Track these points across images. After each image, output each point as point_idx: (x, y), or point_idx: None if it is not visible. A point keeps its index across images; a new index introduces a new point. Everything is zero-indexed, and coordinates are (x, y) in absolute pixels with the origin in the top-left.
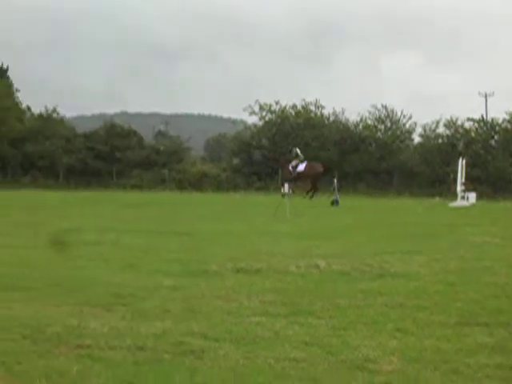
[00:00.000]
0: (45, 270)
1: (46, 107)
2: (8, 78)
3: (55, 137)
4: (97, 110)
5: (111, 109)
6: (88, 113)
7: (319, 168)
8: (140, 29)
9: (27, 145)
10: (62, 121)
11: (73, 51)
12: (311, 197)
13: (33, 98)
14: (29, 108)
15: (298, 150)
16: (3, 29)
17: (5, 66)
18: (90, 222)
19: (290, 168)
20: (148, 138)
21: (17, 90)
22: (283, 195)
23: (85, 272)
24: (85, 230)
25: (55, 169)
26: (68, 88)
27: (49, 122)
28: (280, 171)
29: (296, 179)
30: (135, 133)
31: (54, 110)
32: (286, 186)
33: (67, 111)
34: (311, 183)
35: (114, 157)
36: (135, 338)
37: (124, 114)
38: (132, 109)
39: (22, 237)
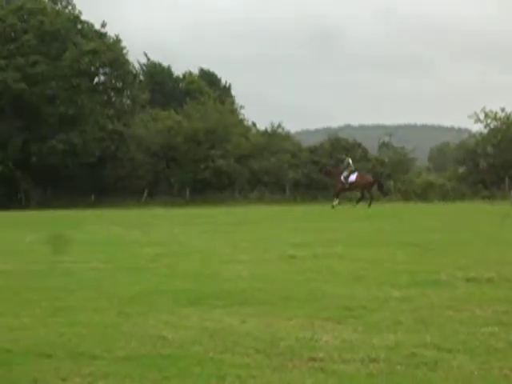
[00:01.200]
0: (276, 284)
1: (271, 123)
2: (232, 95)
3: (280, 152)
4: (320, 125)
5: (335, 122)
6: (312, 127)
7: (369, 178)
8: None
9: (252, 161)
10: (287, 136)
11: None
12: (369, 205)
13: (254, 113)
14: (254, 124)
15: (350, 160)
16: (222, 44)
17: (227, 84)
18: (317, 235)
19: (342, 179)
20: (372, 150)
21: (241, 107)
22: (333, 206)
23: (314, 285)
24: (313, 243)
25: (281, 184)
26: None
27: (274, 138)
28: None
29: (348, 189)
30: (359, 145)
31: (279, 126)
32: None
33: (291, 126)
34: (361, 192)
35: None
36: (368, 350)
37: (348, 127)
38: (355, 121)
39: (254, 252)
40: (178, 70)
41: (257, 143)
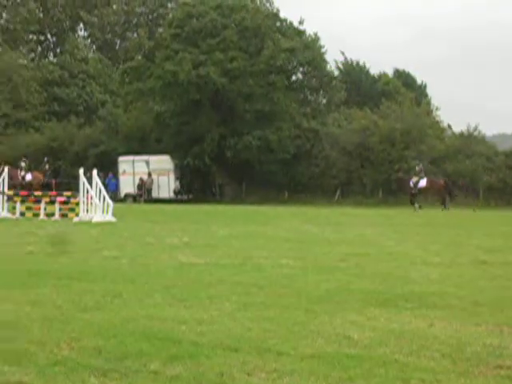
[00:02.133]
0: (466, 288)
1: (467, 126)
2: (427, 95)
3: (475, 155)
4: None
5: None
6: (509, 131)
7: (440, 182)
8: None
9: (447, 163)
10: (482, 139)
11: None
12: (447, 208)
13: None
14: (449, 126)
15: (422, 166)
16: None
17: (423, 84)
18: (510, 241)
19: (411, 184)
20: None
21: (437, 109)
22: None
23: (505, 292)
24: (505, 249)
25: (475, 187)
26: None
27: (469, 141)
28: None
29: (415, 195)
30: None
31: (476, 129)
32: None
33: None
34: (439, 196)
35: None
36: None
37: None
38: None
39: (445, 255)
40: (372, 71)
41: (452, 145)
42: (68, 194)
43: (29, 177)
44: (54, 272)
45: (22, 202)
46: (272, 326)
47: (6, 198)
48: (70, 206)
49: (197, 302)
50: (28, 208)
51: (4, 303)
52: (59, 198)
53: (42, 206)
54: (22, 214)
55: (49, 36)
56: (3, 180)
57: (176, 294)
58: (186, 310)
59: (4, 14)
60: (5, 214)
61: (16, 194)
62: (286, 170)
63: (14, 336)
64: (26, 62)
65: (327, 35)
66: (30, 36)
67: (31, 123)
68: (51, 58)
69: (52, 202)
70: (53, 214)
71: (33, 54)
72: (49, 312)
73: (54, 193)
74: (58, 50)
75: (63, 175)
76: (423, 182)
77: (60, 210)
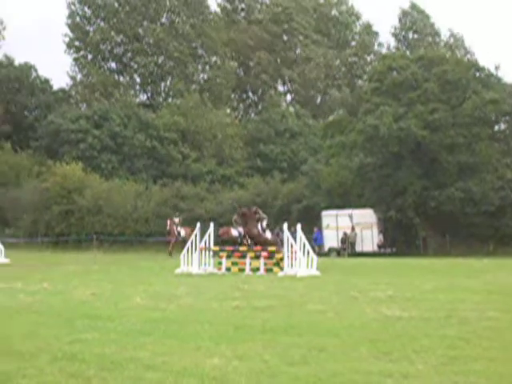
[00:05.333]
0: None
1: None
2: None
3: None
4: None
5: None
6: None
7: None
8: None
9: None
10: None
11: None
12: None
13: None
14: None
15: None
16: None
17: None
18: None
19: None
20: None
21: None
22: None
23: None
24: None
25: None
26: None
27: None
28: None
29: None
30: None
31: None
32: None
33: None
34: None
35: None
36: None
37: None
38: None
39: None
40: None
41: None
42: (272, 248)
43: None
44: (260, 326)
45: (228, 257)
46: (479, 380)
47: (211, 253)
48: (274, 260)
49: (402, 355)
50: (234, 263)
51: (212, 358)
52: (264, 253)
53: (247, 261)
54: (228, 269)
55: (250, 94)
56: (209, 236)
57: (381, 348)
58: (392, 364)
59: (205, 75)
60: (211, 269)
61: (222, 250)
62: (490, 222)
63: None
64: (229, 120)
65: None
66: (232, 95)
67: (235, 179)
68: (252, 115)
69: (257, 257)
70: (258, 269)
71: (235, 112)
72: (256, 366)
73: (258, 248)
74: (260, 107)
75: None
76: None
77: (264, 264)
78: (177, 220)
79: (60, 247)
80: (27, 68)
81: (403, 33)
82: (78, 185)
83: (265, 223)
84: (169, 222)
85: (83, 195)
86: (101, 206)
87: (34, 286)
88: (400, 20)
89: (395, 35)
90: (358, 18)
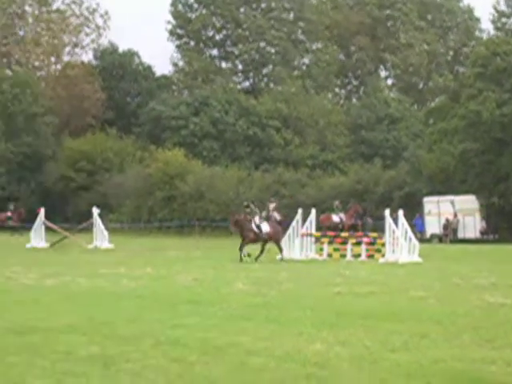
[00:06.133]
0: None
1: None
2: None
3: None
4: None
5: None
6: None
7: None
8: None
9: None
10: None
11: None
12: None
13: None
14: None
15: None
16: None
17: None
18: None
19: None
20: None
21: None
22: None
23: None
24: None
25: None
26: None
27: None
28: None
29: None
30: None
31: None
32: None
33: None
34: None
35: None
36: None
37: None
38: None
39: None
40: None
41: None
42: (374, 235)
43: (278, 217)
44: (362, 313)
45: (329, 243)
46: None
47: (313, 239)
48: (376, 246)
49: (505, 342)
50: (335, 249)
51: (314, 343)
52: (365, 239)
53: (349, 247)
54: (329, 255)
55: (352, 79)
56: (311, 222)
57: (484, 335)
58: (495, 351)
59: (307, 60)
60: (312, 255)
61: (323, 236)
62: None
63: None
64: (330, 105)
65: None
66: (334, 80)
67: (337, 165)
68: (354, 100)
69: (358, 243)
70: (359, 255)
71: (337, 98)
72: (357, 352)
73: (360, 234)
74: (361, 93)
75: (368, 217)
76: None
77: (366, 250)
78: (272, 205)
79: (162, 232)
80: (130, 55)
81: (502, 19)
82: (180, 171)
83: (257, 218)
84: (269, 205)
85: (185, 181)
86: (203, 192)
87: (138, 271)
88: (495, 8)
89: (493, 22)
90: (458, 1)
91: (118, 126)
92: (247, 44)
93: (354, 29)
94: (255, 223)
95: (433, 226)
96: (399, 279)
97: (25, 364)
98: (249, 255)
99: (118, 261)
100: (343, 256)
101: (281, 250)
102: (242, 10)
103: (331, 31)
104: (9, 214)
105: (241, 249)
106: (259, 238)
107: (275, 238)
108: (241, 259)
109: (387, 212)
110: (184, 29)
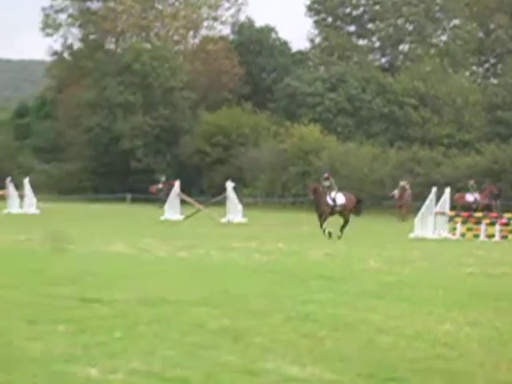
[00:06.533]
0: None
1: None
2: None
3: None
4: None
5: None
6: None
7: None
8: None
9: None
10: None
11: None
12: None
13: None
14: None
15: None
16: None
17: None
18: None
19: None
20: None
21: None
22: None
23: None
24: None
25: None
26: None
27: None
28: None
29: None
30: None
31: None
32: None
33: None
34: None
35: None
36: None
37: None
38: None
39: None
40: None
41: None
42: (509, 215)
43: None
44: (494, 294)
45: (463, 223)
46: None
47: (447, 218)
48: (510, 228)
49: None
50: (468, 229)
51: (444, 323)
52: (500, 220)
53: (483, 227)
54: (463, 234)
55: (490, 58)
56: (445, 201)
57: None
58: None
59: (445, 37)
60: (445, 234)
61: (457, 215)
62: None
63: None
64: (467, 84)
65: None
66: (471, 59)
67: (473, 145)
68: (492, 79)
69: (492, 224)
70: (493, 236)
71: (475, 76)
72: (487, 333)
73: (494, 214)
74: (499, 71)
75: (504, 197)
76: None
77: (500, 231)
78: (403, 183)
79: (296, 208)
80: (267, 30)
81: None
82: (315, 146)
83: (333, 192)
84: (402, 184)
85: (320, 157)
86: (337, 168)
87: (270, 245)
88: None
89: None
90: None
91: (253, 101)
92: (384, 20)
93: (493, 6)
94: (330, 197)
95: None
96: None
97: (155, 335)
98: (329, 234)
99: (250, 235)
100: (476, 236)
101: (346, 223)
102: None
103: (470, 8)
104: (160, 185)
105: (321, 226)
106: (334, 211)
107: (349, 208)
108: (329, 235)
109: None
110: (322, 4)
